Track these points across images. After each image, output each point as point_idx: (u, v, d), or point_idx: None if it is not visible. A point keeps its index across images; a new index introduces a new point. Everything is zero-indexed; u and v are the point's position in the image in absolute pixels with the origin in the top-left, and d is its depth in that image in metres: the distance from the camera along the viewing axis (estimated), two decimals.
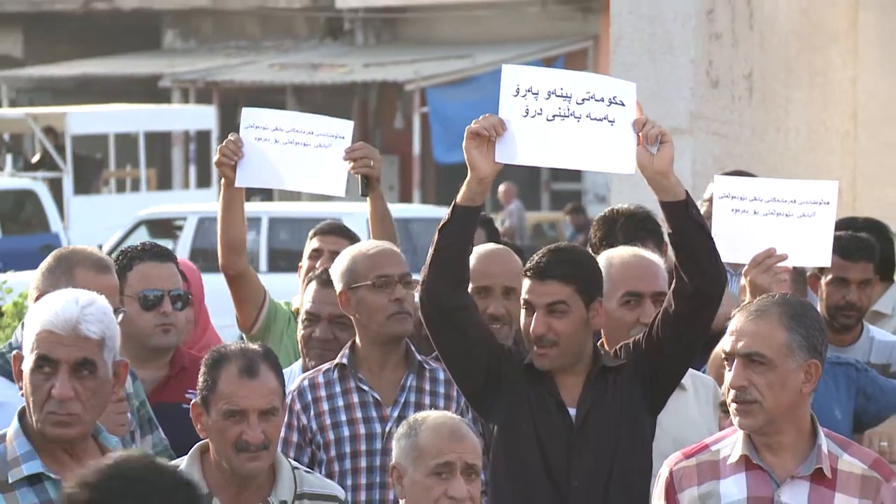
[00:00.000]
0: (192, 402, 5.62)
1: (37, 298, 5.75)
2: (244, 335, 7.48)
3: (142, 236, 20.86)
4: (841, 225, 7.73)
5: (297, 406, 6.46)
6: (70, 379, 4.91)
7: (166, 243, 21.03)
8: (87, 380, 4.93)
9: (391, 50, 33.23)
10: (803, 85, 11.44)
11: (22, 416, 4.92)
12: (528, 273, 5.89)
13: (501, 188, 26.82)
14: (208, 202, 22.16)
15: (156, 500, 3.45)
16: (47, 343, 4.91)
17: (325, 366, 6.48)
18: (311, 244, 7.82)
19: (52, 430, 4.89)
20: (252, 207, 23.81)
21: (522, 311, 5.87)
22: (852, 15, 11.70)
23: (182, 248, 20.49)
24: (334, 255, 7.28)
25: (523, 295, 5.89)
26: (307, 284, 6.94)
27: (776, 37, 11.13)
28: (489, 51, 30.27)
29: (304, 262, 7.75)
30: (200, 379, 5.59)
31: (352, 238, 7.80)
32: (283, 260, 20.70)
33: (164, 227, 22.91)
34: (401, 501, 5.44)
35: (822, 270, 7.18)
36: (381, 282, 6.33)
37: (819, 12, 11.51)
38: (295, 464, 5.81)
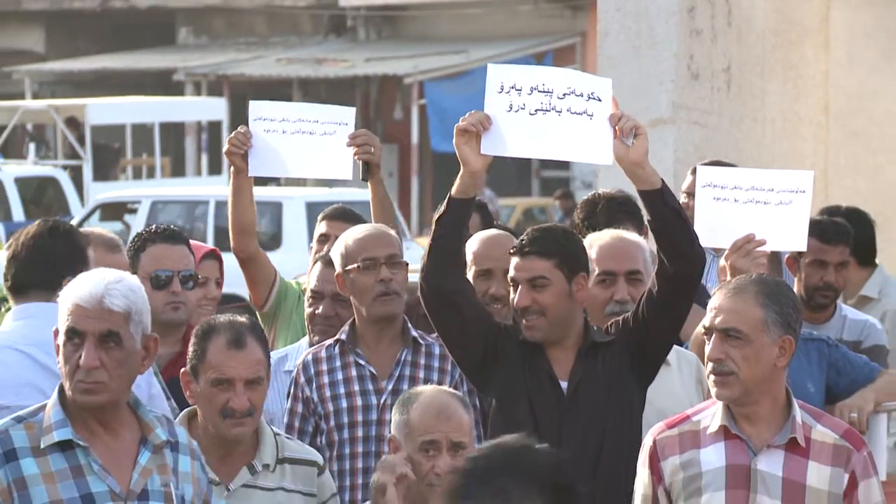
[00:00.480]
0: (181, 370, 5.75)
1: None
2: (257, 313, 7.64)
3: (95, 220, 21.65)
4: (825, 213, 8.07)
5: (302, 379, 6.60)
6: (96, 349, 5.03)
7: (115, 225, 21.68)
8: (113, 350, 5.05)
9: (391, 46, 33.78)
10: (778, 78, 11.60)
11: (61, 388, 5.07)
12: (512, 252, 6.05)
13: None
14: (219, 187, 23.21)
15: (525, 473, 3.53)
16: (75, 316, 5.04)
17: (328, 342, 6.63)
18: (320, 228, 7.97)
19: (80, 397, 5.02)
20: (201, 191, 24.86)
21: (511, 289, 6.05)
22: (824, 12, 11.89)
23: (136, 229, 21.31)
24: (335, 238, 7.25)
25: (510, 273, 6.05)
26: (313, 265, 7.12)
27: (753, 33, 11.30)
28: (483, 47, 30.78)
29: (314, 245, 7.90)
30: (191, 349, 5.73)
31: (358, 221, 7.85)
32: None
33: (118, 210, 23.87)
34: None
35: (800, 253, 7.34)
36: (368, 264, 6.44)
37: (793, 10, 11.68)
38: (277, 430, 5.94)
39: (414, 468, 5.45)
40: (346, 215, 7.96)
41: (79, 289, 5.08)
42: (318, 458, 5.93)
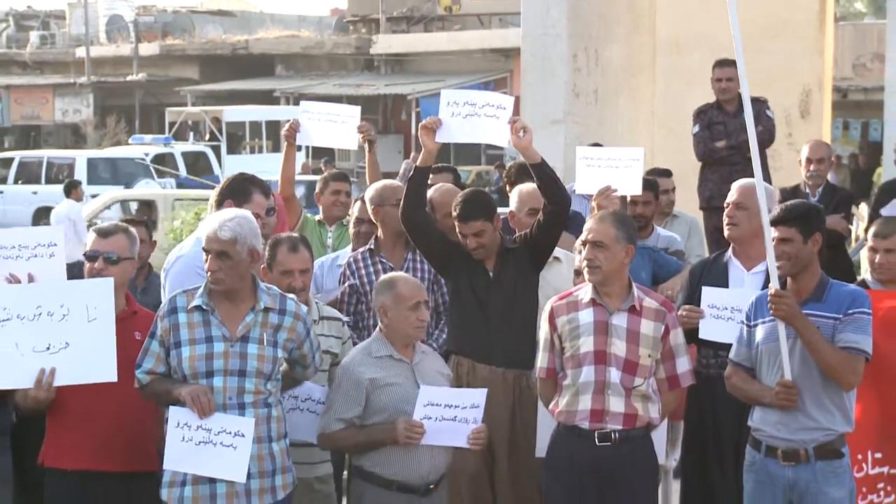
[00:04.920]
0: (261, 266, 6.25)
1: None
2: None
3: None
4: (649, 173, 8.90)
5: (348, 272, 7.46)
6: (215, 260, 5.76)
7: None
8: (224, 260, 5.75)
9: (400, 77, 42.50)
10: (624, 96, 13.01)
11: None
12: (455, 217, 6.92)
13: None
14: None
15: None
16: (206, 241, 5.82)
17: (361, 249, 7.57)
18: (332, 186, 8.85)
19: (211, 285, 5.81)
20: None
21: (458, 235, 6.91)
22: (651, 58, 13.44)
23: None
24: (343, 192, 8.59)
25: (458, 230, 6.92)
26: (354, 203, 8.13)
27: (610, 69, 12.82)
28: (454, 77, 38.82)
29: (325, 197, 8.76)
30: (266, 253, 6.34)
31: (347, 178, 8.82)
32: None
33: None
34: (382, 327, 6.22)
35: (632, 196, 8.28)
36: (395, 202, 7.33)
37: (633, 55, 13.15)
38: (317, 300, 6.74)
39: (405, 321, 6.14)
40: (343, 176, 9.05)
41: (208, 223, 5.88)
42: (342, 316, 6.73)
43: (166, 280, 6.79)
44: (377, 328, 6.24)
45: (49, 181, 28.08)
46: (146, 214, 19.88)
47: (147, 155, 31.42)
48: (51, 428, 6.07)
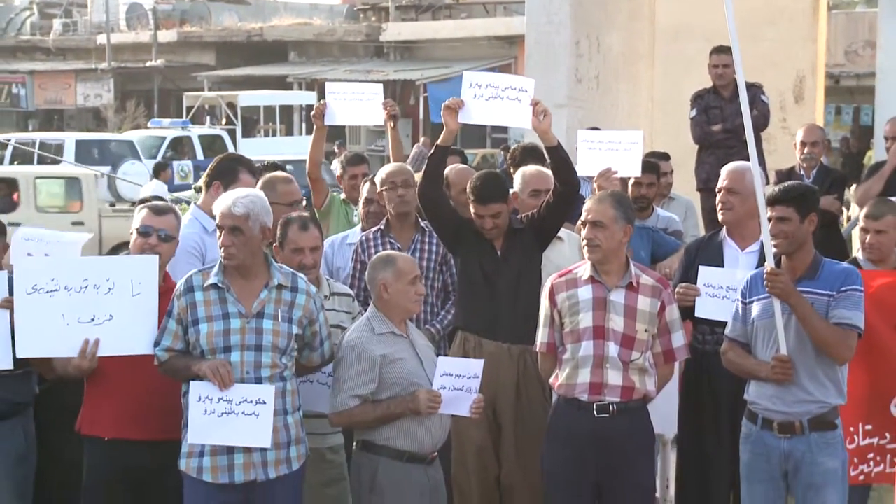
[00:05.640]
0: (273, 245, 6.36)
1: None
2: (316, 210, 8.58)
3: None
4: (648, 155, 8.85)
5: (359, 249, 7.49)
6: (228, 236, 5.79)
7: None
8: (238, 236, 5.78)
9: (409, 63, 43.01)
10: (625, 82, 12.96)
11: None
12: (473, 199, 6.91)
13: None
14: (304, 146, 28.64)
15: None
16: (219, 217, 5.84)
17: (373, 229, 7.60)
18: (349, 171, 8.90)
19: (225, 261, 5.84)
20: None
21: (474, 216, 6.94)
22: (650, 45, 13.33)
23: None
24: (360, 175, 8.53)
25: (475, 211, 6.91)
26: (363, 184, 8.14)
27: (611, 56, 12.78)
28: (459, 64, 38.42)
29: (345, 182, 8.85)
30: (278, 232, 6.42)
31: (365, 160, 8.82)
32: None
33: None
34: (379, 304, 6.16)
35: (636, 179, 8.31)
36: (390, 185, 7.47)
37: (634, 43, 13.08)
38: (327, 277, 6.77)
39: (405, 295, 6.14)
40: (361, 158, 9.03)
41: (222, 200, 5.91)
42: (351, 292, 6.79)
43: None
44: (370, 305, 6.22)
45: (41, 161, 28.46)
46: (5, 192, 19.42)
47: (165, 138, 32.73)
48: (88, 398, 6.11)
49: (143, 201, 7.25)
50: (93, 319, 5.86)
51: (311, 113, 8.54)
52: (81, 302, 5.83)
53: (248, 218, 5.72)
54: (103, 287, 5.84)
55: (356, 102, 8.48)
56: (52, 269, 5.88)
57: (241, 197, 5.76)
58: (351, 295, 6.68)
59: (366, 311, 6.22)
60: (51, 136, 32.70)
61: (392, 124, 8.50)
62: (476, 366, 6.15)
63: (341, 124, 8.64)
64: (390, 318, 6.11)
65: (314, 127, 8.58)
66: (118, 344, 5.87)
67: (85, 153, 29.11)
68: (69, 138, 31.20)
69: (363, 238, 7.51)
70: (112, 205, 20.72)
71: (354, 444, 6.20)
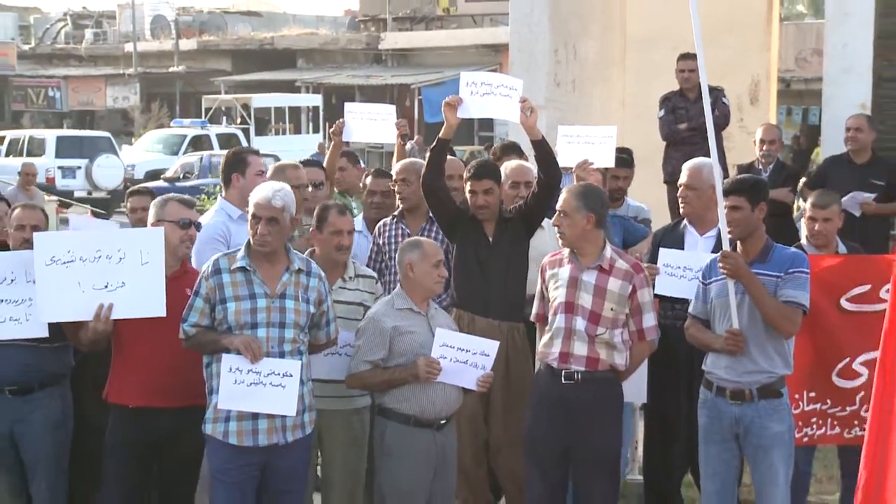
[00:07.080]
0: (311, 228, 6.54)
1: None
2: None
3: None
4: (618, 151, 8.14)
5: (376, 233, 7.57)
6: (266, 225, 5.81)
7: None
8: (274, 225, 5.82)
9: (404, 69, 42.71)
10: (599, 86, 12.85)
11: (248, 243, 5.89)
12: (469, 175, 7.02)
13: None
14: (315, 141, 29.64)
15: None
16: (256, 207, 5.84)
17: (388, 217, 7.62)
18: (370, 186, 8.27)
19: (258, 248, 5.84)
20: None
21: (468, 195, 6.96)
22: (622, 52, 13.32)
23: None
24: (379, 193, 8.08)
25: (468, 187, 6.97)
26: (366, 177, 8.25)
27: (587, 62, 12.64)
28: (449, 70, 38.56)
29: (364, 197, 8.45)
30: (315, 216, 6.49)
31: (388, 175, 8.31)
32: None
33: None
34: (404, 283, 6.25)
35: (607, 169, 8.04)
36: (402, 178, 7.54)
37: (607, 49, 13.02)
38: (354, 260, 6.66)
39: (428, 276, 6.18)
40: (383, 172, 8.49)
41: (259, 192, 5.92)
42: (374, 274, 6.80)
43: None
44: (398, 285, 6.28)
45: (30, 154, 28.61)
46: None
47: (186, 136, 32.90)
48: (115, 369, 6.12)
49: (128, 189, 7.43)
50: (106, 286, 5.88)
51: (331, 130, 8.51)
52: (95, 271, 5.84)
53: (284, 209, 5.78)
54: (115, 257, 5.85)
55: (371, 122, 8.44)
56: (68, 241, 5.91)
57: (278, 190, 5.80)
58: (374, 277, 6.69)
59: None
60: (38, 133, 32.51)
61: (402, 142, 8.51)
62: (489, 346, 6.18)
63: (357, 141, 8.63)
64: (412, 296, 6.15)
65: (332, 143, 8.53)
66: (129, 308, 5.89)
67: (66, 148, 29.25)
68: (51, 135, 31.03)
69: (382, 223, 7.60)
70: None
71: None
